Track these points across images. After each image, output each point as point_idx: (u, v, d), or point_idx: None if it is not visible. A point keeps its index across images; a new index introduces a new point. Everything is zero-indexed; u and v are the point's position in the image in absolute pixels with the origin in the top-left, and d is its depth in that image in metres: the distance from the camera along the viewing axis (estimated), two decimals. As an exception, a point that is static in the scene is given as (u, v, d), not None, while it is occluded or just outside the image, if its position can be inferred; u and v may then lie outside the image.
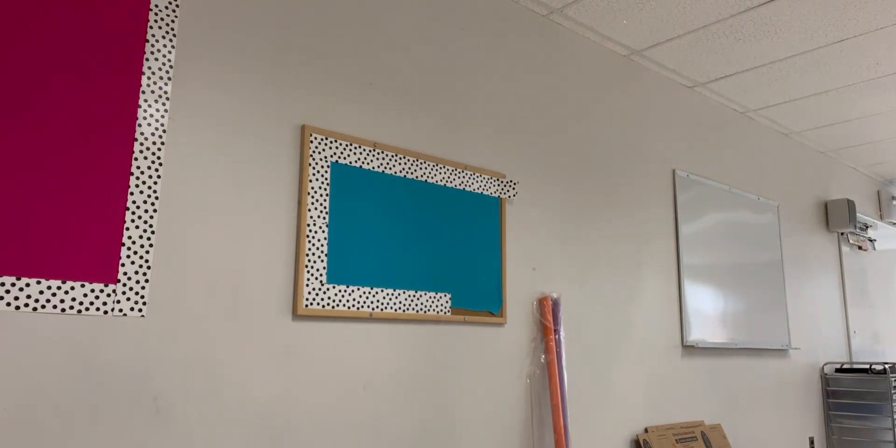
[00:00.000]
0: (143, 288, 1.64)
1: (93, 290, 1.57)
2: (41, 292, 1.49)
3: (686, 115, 3.58)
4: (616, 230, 3.01)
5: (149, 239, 1.67)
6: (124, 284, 1.61)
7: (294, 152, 1.99)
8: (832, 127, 4.22)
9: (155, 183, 1.70)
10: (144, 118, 1.70)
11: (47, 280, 1.51)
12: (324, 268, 1.97)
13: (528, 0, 2.75)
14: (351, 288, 2.03)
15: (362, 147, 2.13)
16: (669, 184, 3.37)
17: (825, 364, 4.29)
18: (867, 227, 4.97)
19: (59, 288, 1.52)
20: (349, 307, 2.02)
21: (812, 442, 4.04)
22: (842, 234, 4.72)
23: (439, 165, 2.34)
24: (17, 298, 1.46)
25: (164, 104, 1.73)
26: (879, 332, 4.98)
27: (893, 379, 4.02)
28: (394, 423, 2.09)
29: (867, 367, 4.16)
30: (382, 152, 2.19)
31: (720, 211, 3.62)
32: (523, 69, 2.74)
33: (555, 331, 2.55)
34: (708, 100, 3.76)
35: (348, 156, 2.09)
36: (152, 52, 1.74)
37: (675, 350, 3.19)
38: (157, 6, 1.76)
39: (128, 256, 1.63)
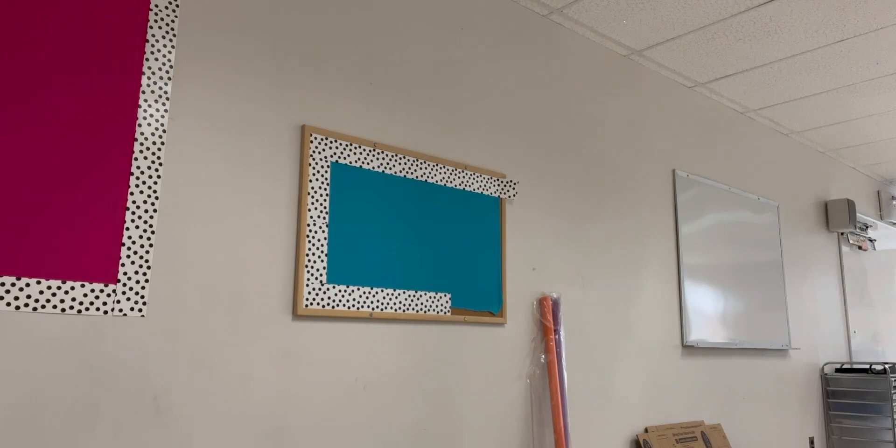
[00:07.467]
0: (143, 288, 1.64)
1: (93, 290, 1.57)
2: (41, 292, 1.50)
3: (686, 115, 3.58)
4: (616, 230, 3.01)
5: (149, 239, 1.67)
6: (124, 284, 1.61)
7: (294, 152, 1.99)
8: (832, 127, 4.23)
9: (155, 183, 1.70)
10: (144, 118, 1.70)
11: (47, 280, 1.51)
12: (324, 268, 1.97)
13: (528, 0, 2.75)
14: (351, 288, 2.03)
15: (362, 147, 2.13)
16: (669, 184, 3.37)
17: (825, 364, 4.29)
18: (867, 227, 4.97)
19: (59, 288, 1.52)
20: (349, 307, 2.02)
21: (812, 442, 4.04)
22: (842, 234, 4.72)
23: (439, 165, 2.34)
24: (17, 298, 1.46)
25: (164, 104, 1.74)
26: (879, 332, 4.98)
27: (893, 379, 4.01)
28: (394, 422, 2.09)
29: (867, 367, 4.16)
30: (382, 152, 2.19)
31: (720, 211, 3.62)
32: (523, 69, 2.74)
33: (555, 331, 2.55)
34: (708, 100, 3.76)
35: (348, 156, 2.09)
36: (152, 52, 1.74)
37: (675, 350, 3.19)
38: (157, 6, 1.76)
39: (128, 256, 1.63)
